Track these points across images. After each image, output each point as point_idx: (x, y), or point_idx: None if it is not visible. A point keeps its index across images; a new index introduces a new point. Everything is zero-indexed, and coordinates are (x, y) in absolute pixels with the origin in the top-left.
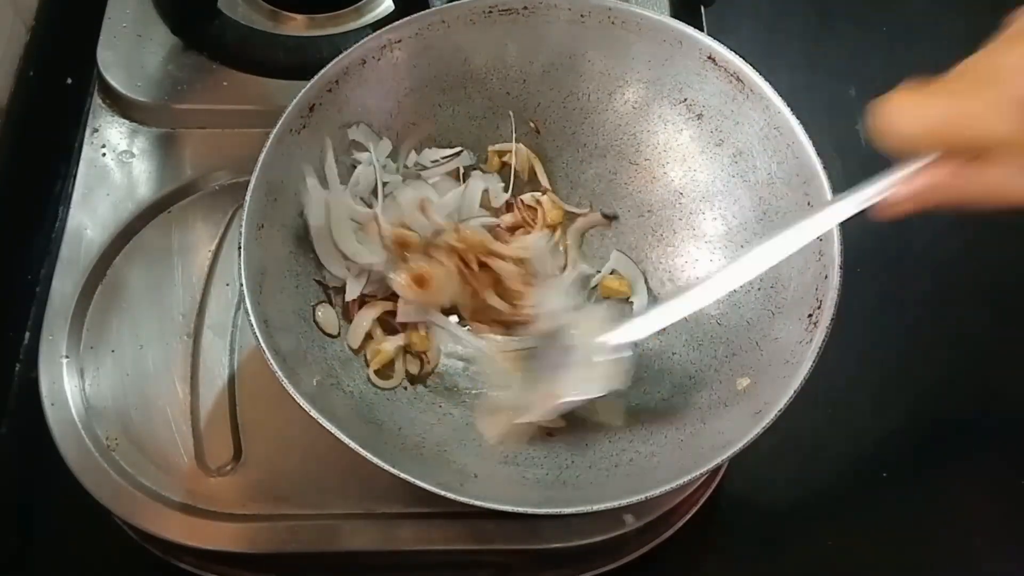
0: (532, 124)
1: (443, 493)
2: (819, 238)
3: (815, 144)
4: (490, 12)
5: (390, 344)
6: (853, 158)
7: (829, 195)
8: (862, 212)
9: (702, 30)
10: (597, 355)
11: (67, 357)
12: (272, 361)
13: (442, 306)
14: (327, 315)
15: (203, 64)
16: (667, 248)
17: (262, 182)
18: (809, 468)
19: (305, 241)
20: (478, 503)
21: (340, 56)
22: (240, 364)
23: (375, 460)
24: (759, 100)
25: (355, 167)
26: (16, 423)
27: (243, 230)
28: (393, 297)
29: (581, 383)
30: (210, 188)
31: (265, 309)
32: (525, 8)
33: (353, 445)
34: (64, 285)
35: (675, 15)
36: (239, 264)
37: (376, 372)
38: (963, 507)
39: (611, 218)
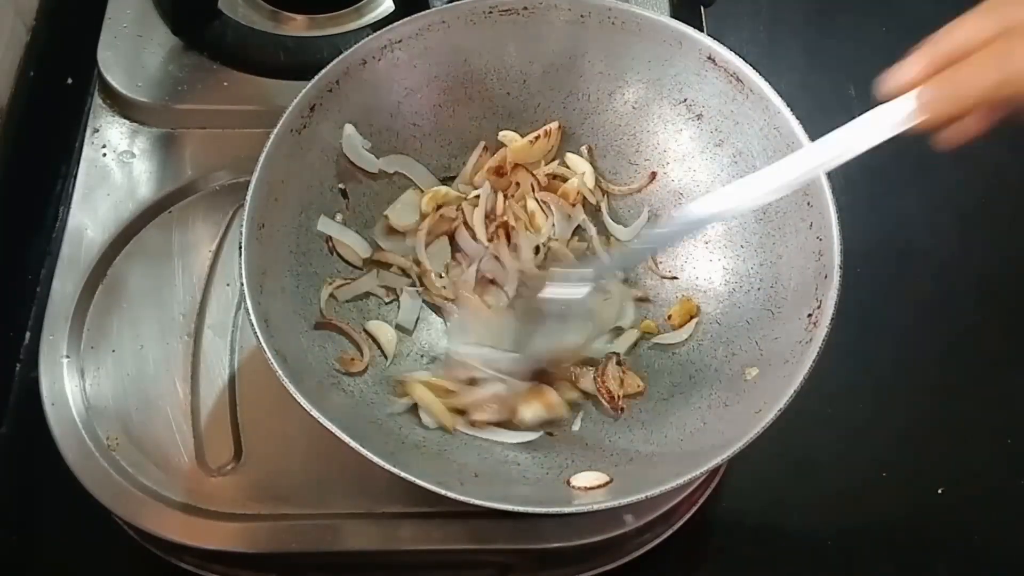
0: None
1: (443, 492)
2: (818, 238)
3: None
4: (490, 12)
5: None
6: (852, 158)
7: (829, 195)
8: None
9: (702, 30)
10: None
11: (68, 357)
12: (273, 360)
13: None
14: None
15: (203, 64)
16: (667, 248)
17: (263, 181)
18: (808, 468)
19: (306, 240)
20: (478, 502)
21: (341, 56)
22: (240, 364)
23: (375, 459)
24: (759, 100)
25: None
26: (17, 423)
27: (244, 229)
28: None
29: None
30: (210, 188)
31: (266, 308)
32: (525, 8)
33: (354, 444)
34: (65, 285)
35: (675, 15)
36: (240, 263)
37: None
38: (963, 507)
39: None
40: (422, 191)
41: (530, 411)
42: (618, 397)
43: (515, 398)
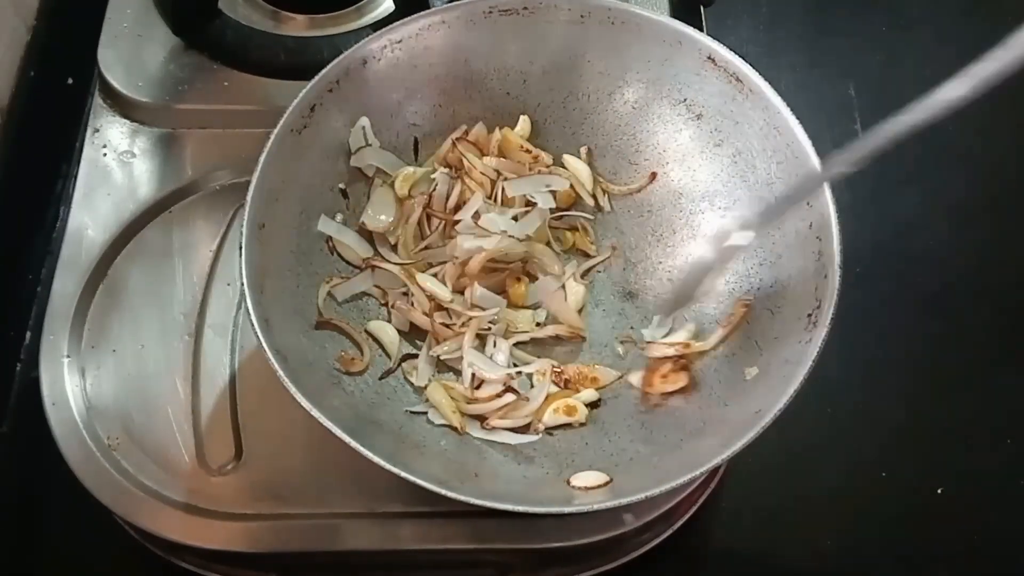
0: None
1: (444, 492)
2: (818, 237)
3: (814, 144)
4: (490, 12)
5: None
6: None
7: (828, 195)
8: None
9: (702, 30)
10: None
11: (68, 357)
12: (274, 361)
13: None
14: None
15: (204, 64)
16: (667, 248)
17: (264, 182)
18: (808, 468)
19: (306, 240)
20: (478, 502)
21: (341, 56)
22: (241, 364)
23: (376, 459)
24: (759, 100)
25: None
26: (17, 423)
27: (244, 230)
28: None
29: None
30: (211, 188)
31: (266, 309)
32: (525, 8)
33: (354, 444)
34: (65, 285)
35: (675, 15)
36: (240, 264)
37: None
38: (963, 507)
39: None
40: (392, 184)
41: (553, 419)
42: (653, 393)
43: (539, 407)
